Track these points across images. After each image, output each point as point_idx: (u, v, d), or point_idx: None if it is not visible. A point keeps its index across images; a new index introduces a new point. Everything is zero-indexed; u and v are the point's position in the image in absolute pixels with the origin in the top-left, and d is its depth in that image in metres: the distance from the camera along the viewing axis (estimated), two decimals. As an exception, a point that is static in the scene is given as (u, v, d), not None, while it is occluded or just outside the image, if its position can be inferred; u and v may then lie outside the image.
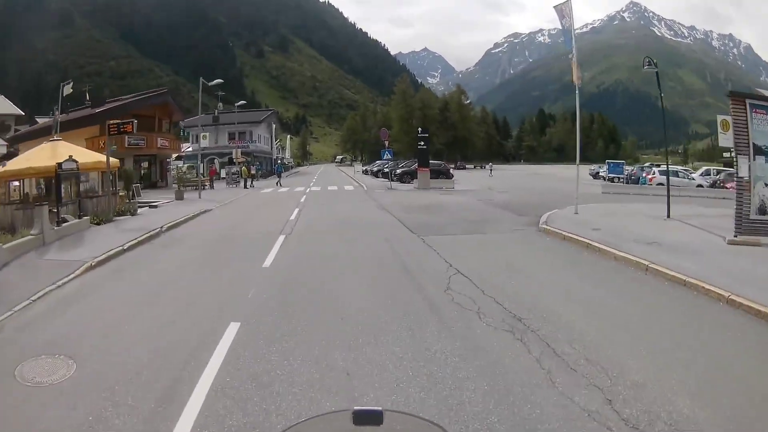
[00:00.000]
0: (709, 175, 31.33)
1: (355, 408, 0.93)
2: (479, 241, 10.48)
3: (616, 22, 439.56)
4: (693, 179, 28.18)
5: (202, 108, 31.91)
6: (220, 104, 49.32)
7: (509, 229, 11.95)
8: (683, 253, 8.27)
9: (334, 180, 38.94)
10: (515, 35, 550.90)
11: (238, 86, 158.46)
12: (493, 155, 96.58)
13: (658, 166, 32.94)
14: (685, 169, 35.00)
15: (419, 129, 29.63)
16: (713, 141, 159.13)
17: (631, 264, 7.91)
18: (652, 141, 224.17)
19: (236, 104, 47.02)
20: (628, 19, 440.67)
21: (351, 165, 76.64)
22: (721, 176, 29.05)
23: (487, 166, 57.60)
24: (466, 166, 69.99)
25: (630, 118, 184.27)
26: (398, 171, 33.68)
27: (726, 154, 33.21)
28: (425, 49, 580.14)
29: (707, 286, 6.34)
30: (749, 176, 8.93)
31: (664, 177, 24.74)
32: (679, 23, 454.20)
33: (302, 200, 20.61)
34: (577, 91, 13.43)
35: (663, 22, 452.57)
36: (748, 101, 9.11)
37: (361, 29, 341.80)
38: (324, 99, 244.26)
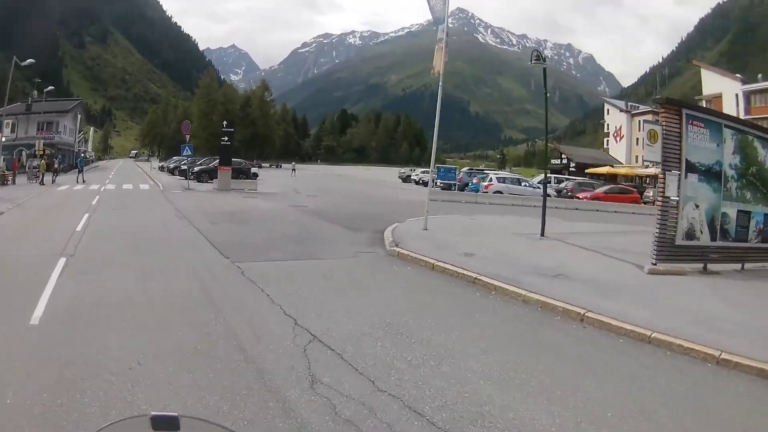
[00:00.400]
0: (549, 183, 29.99)
1: (153, 413, 0.93)
2: (317, 271, 7.84)
3: (436, 28, 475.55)
4: (538, 187, 27.29)
5: (23, 97, 26.86)
6: (35, 92, 44.09)
7: (349, 251, 9.60)
8: (607, 290, 6.78)
9: (130, 177, 35.78)
10: (326, 35, 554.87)
11: (56, 76, 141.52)
12: (290, 154, 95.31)
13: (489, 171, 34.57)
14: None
15: (224, 123, 27.23)
16: (529, 147, 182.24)
17: (554, 311, 5.98)
18: (458, 145, 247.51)
19: (45, 91, 42.14)
20: (452, 25, 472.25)
21: (148, 160, 71.40)
22: (568, 185, 30.76)
23: (290, 166, 55.78)
24: (262, 165, 66.67)
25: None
26: (195, 169, 30.66)
27: (650, 167, 31.24)
28: (233, 46, 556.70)
29: (686, 344, 4.84)
30: (678, 196, 7.79)
31: (503, 185, 25.76)
32: (508, 31, 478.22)
33: (94, 202, 17.30)
34: (440, 84, 11.77)
35: (490, 30, 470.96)
36: (684, 111, 8.04)
37: (176, 23, 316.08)
38: (130, 92, 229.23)
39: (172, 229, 11.76)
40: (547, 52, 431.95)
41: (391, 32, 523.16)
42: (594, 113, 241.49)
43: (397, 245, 9.55)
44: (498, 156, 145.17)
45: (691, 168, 8.02)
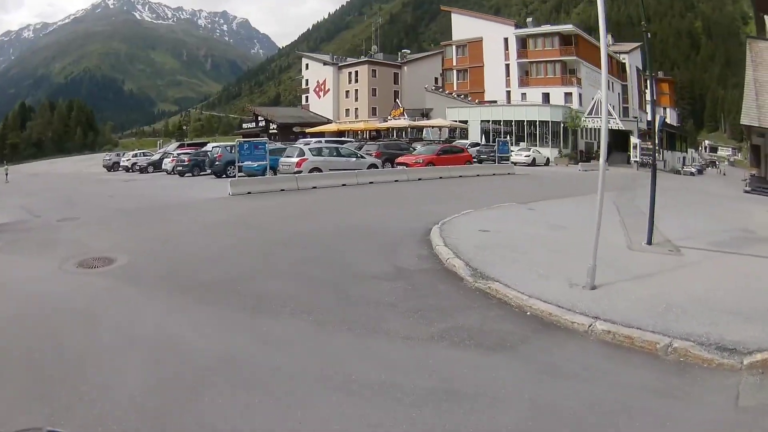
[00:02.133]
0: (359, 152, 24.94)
1: (48, 428, 0.89)
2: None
3: (99, 10, 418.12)
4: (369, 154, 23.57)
5: None
6: None
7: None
8: None
9: None
10: (6, 33, 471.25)
11: None
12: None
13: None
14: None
15: None
16: (182, 117, 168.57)
17: None
18: (119, 123, 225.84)
19: None
20: (111, 6, 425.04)
21: None
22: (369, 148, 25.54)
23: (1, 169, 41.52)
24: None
25: (96, 104, 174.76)
26: None
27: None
28: None
29: None
30: None
31: (320, 158, 18.81)
32: (165, 5, 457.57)
33: None
34: None
35: (148, 6, 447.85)
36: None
37: None
38: None
39: None
40: (201, 22, 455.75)
41: (59, 21, 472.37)
42: (247, 75, 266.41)
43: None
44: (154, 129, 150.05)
45: None
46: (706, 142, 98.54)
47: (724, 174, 57.04)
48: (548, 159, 37.23)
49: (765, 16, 28.38)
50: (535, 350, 4.26)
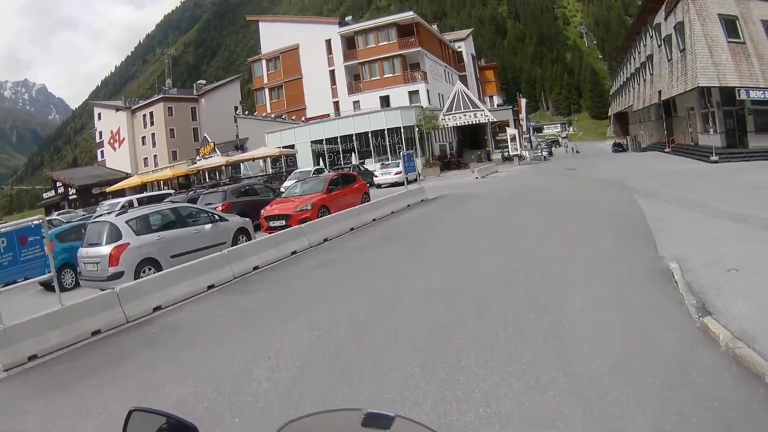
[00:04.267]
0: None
1: (368, 410, 0.91)
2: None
3: None
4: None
5: None
6: None
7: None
8: None
9: None
10: None
11: None
12: None
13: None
14: None
15: None
16: None
17: None
18: None
19: None
20: None
21: None
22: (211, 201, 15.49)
23: None
24: None
25: None
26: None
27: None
28: None
29: None
30: None
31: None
32: None
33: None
34: None
35: None
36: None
37: None
38: None
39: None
40: (7, 93, 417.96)
41: None
42: (47, 142, 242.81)
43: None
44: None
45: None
46: (531, 123, 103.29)
47: (577, 151, 56.29)
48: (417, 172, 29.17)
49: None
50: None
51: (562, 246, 8.49)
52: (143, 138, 53.74)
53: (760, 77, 23.41)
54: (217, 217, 11.35)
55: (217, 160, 34.98)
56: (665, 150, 32.42)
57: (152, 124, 53.06)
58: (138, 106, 55.63)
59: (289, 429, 0.96)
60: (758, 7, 24.86)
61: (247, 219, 12.38)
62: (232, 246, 10.10)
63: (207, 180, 35.77)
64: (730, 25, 24.38)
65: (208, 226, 10.82)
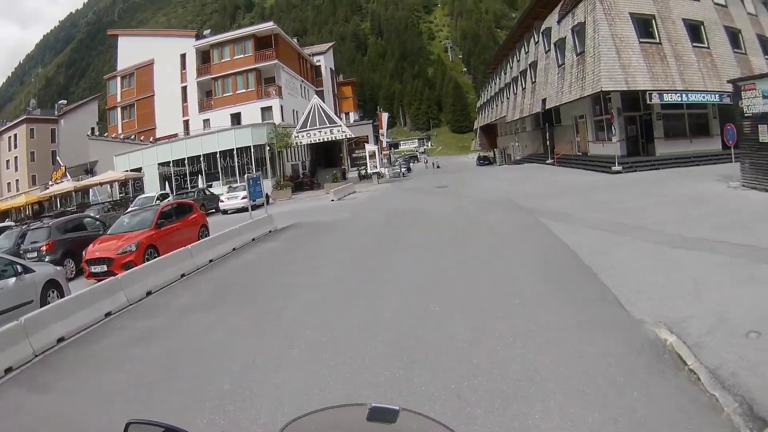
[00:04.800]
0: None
1: (373, 405, 0.91)
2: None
3: None
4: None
5: None
6: None
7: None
8: None
9: None
10: None
11: None
12: None
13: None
14: None
15: None
16: None
17: None
18: None
19: None
20: None
21: None
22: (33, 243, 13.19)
23: None
24: None
25: None
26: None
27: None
28: None
29: None
30: None
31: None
32: None
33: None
34: None
35: None
36: None
37: None
38: None
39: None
40: None
41: None
42: None
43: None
44: None
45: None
46: (388, 139, 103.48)
47: (438, 167, 55.40)
48: (267, 195, 27.47)
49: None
50: None
51: (476, 312, 5.61)
52: (7, 162, 49.87)
53: (677, 79, 22.22)
54: (20, 268, 8.50)
55: (66, 185, 32.74)
56: (548, 162, 31.07)
57: (15, 147, 49.40)
58: (4, 128, 51.47)
59: (293, 427, 0.96)
60: (678, 6, 23.76)
61: (59, 268, 9.90)
62: (40, 306, 7.72)
63: (59, 207, 33.02)
64: (644, 25, 23.16)
65: (11, 281, 8.07)
